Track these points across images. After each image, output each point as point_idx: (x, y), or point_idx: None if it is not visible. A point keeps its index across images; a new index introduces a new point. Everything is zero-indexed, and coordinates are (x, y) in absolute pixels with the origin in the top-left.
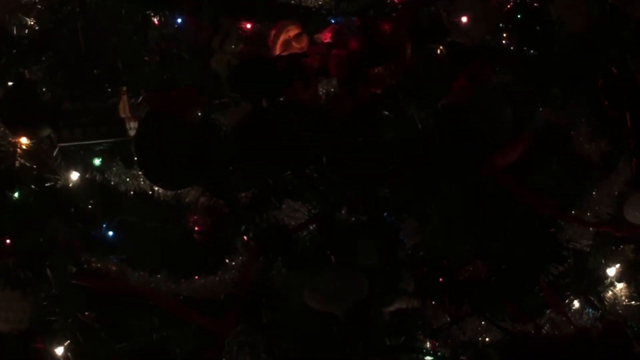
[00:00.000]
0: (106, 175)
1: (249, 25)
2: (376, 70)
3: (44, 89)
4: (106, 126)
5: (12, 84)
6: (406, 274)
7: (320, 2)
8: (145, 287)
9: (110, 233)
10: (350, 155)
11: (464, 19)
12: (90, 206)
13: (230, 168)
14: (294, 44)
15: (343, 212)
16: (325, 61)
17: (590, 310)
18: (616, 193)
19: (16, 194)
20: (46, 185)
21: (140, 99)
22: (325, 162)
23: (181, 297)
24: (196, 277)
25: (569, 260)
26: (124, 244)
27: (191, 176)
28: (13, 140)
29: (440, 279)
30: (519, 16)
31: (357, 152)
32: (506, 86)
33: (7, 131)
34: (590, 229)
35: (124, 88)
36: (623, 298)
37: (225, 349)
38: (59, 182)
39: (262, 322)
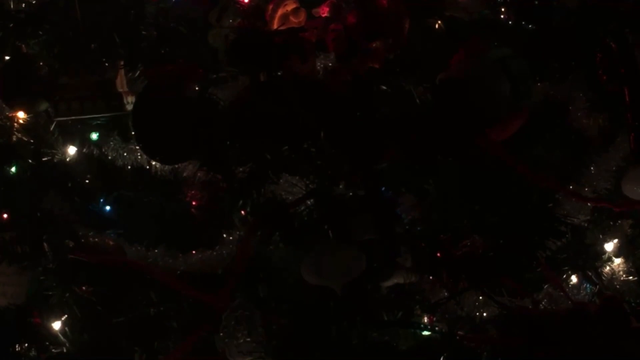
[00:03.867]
0: (103, 150)
1: (246, 0)
2: (374, 45)
3: (41, 63)
4: (103, 100)
5: (9, 58)
6: (404, 249)
7: None
8: (143, 262)
9: (108, 207)
10: (348, 130)
11: None
12: (87, 181)
13: (228, 143)
14: (291, 18)
15: (341, 186)
16: (323, 35)
17: (588, 285)
18: (614, 168)
19: (13, 169)
20: (43, 159)
21: (138, 73)
22: (322, 136)
23: (178, 271)
24: (193, 251)
25: (566, 236)
26: (122, 218)
27: (188, 151)
28: (10, 115)
29: (438, 254)
30: None
31: (355, 127)
32: (504, 60)
33: (4, 105)
34: (588, 204)
35: (121, 62)
36: (621, 273)
37: (222, 323)
38: (56, 156)
39: (260, 297)
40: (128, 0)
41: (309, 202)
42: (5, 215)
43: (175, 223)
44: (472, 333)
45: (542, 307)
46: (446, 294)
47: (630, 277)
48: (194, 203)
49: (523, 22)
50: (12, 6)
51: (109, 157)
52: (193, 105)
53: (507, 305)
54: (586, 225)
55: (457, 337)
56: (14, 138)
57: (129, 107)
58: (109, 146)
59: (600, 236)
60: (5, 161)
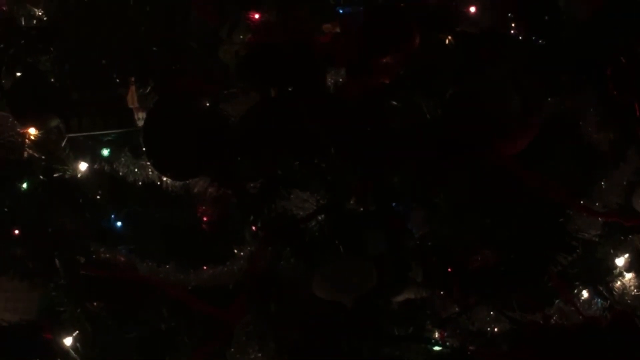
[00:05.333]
0: (114, 166)
1: (257, 15)
2: (384, 60)
3: (52, 80)
4: (114, 116)
5: (21, 75)
6: (415, 264)
7: None
8: (154, 277)
9: (119, 223)
10: (359, 145)
11: (473, 9)
12: (98, 197)
13: (239, 158)
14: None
15: (352, 202)
16: (334, 51)
17: (599, 300)
18: (625, 183)
19: (24, 185)
20: (54, 175)
21: (149, 89)
22: (333, 151)
23: (189, 287)
24: (205, 267)
25: (577, 250)
26: (133, 234)
27: (199, 166)
28: (22, 131)
29: (449, 269)
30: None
31: (366, 142)
32: (514, 75)
33: (15, 122)
34: (599, 218)
35: (132, 78)
36: (632, 288)
37: (234, 338)
38: (68, 172)
39: (271, 312)
40: (139, 16)
41: (319, 218)
42: (16, 231)
43: (186, 239)
44: (484, 348)
45: (554, 322)
46: (457, 308)
47: None
48: (204, 219)
49: (533, 37)
50: (23, 23)
51: (120, 173)
52: (204, 120)
53: (518, 320)
54: (597, 240)
55: (469, 352)
56: (25, 154)
57: (140, 123)
58: (120, 162)
59: (611, 251)
60: (17, 177)
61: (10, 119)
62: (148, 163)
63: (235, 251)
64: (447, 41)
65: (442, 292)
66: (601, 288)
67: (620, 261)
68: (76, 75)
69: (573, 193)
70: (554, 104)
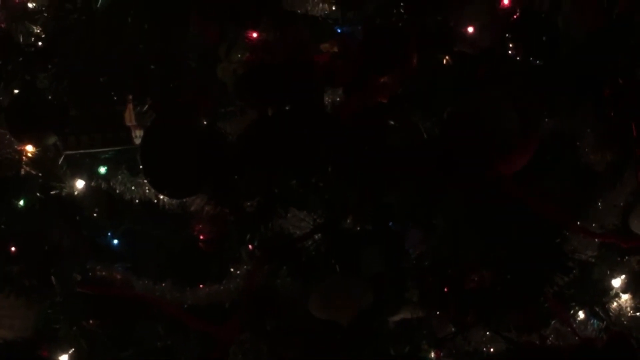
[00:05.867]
0: (111, 184)
1: (255, 34)
2: (382, 79)
3: (49, 97)
4: (112, 134)
5: (18, 92)
6: (411, 283)
7: (326, 12)
8: (150, 295)
9: (116, 241)
10: (356, 164)
11: (471, 29)
12: (95, 214)
13: (236, 176)
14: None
15: (348, 221)
16: (331, 70)
17: (595, 321)
18: (622, 204)
19: (21, 202)
20: (51, 193)
21: (146, 107)
22: (331, 171)
23: (186, 305)
24: (201, 285)
25: (574, 271)
26: (129, 252)
27: (196, 184)
28: (19, 148)
29: (446, 289)
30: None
31: (363, 161)
32: (512, 95)
33: (13, 139)
34: (596, 239)
35: (130, 96)
36: (628, 309)
37: (230, 357)
38: (65, 190)
39: (267, 331)
40: (137, 34)
41: (316, 237)
42: (13, 248)
43: (183, 257)
44: None
45: (550, 343)
46: (453, 328)
47: (638, 313)
48: (201, 237)
49: (531, 57)
50: (21, 40)
51: (117, 191)
52: (201, 139)
53: (514, 341)
54: (594, 260)
55: None
56: (23, 171)
57: (138, 141)
58: (117, 180)
59: (608, 272)
60: (14, 194)
61: (8, 136)
62: (145, 181)
63: (232, 270)
64: (445, 61)
65: (438, 312)
66: (597, 309)
67: (616, 282)
68: (74, 93)
69: (570, 214)
70: (552, 124)
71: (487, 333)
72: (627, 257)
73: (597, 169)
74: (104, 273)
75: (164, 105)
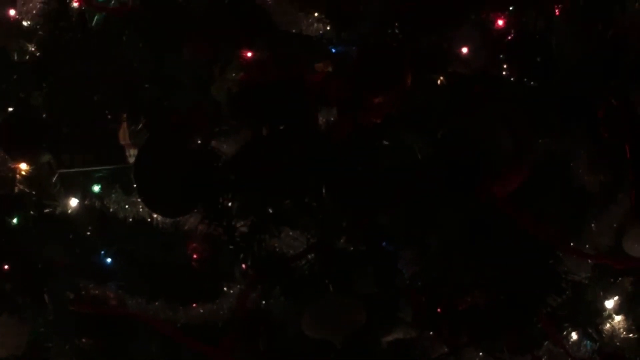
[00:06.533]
0: (105, 202)
1: (249, 53)
2: (376, 99)
3: (44, 115)
4: (106, 153)
5: (12, 110)
6: (404, 303)
7: (321, 31)
8: (143, 314)
9: (109, 259)
10: (350, 184)
11: (465, 49)
12: (88, 232)
13: (229, 196)
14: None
15: (342, 240)
16: (325, 90)
17: (589, 342)
18: (615, 225)
19: (15, 220)
20: (45, 211)
21: (140, 125)
22: (324, 190)
23: (179, 324)
24: (194, 304)
25: (567, 292)
26: (123, 270)
27: (190, 204)
28: (12, 166)
29: (439, 309)
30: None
31: (356, 181)
32: (506, 116)
33: (6, 156)
34: (589, 260)
35: (124, 115)
36: (621, 331)
37: None
38: (58, 208)
39: (260, 350)
40: (131, 52)
41: (310, 256)
42: (6, 266)
43: (176, 276)
44: None
45: None
46: (446, 349)
47: (631, 335)
48: (194, 256)
49: (524, 78)
50: (16, 58)
51: (111, 210)
52: (195, 158)
53: None
54: (587, 282)
55: None
56: (16, 189)
57: (131, 160)
58: (111, 198)
59: (601, 293)
60: (7, 212)
61: (1, 154)
62: (139, 200)
63: (225, 289)
64: (439, 81)
65: (431, 333)
66: (590, 330)
67: (609, 303)
68: (68, 111)
69: (563, 234)
70: (545, 145)
71: (480, 354)
72: (620, 279)
73: (590, 189)
74: (97, 291)
75: (158, 124)
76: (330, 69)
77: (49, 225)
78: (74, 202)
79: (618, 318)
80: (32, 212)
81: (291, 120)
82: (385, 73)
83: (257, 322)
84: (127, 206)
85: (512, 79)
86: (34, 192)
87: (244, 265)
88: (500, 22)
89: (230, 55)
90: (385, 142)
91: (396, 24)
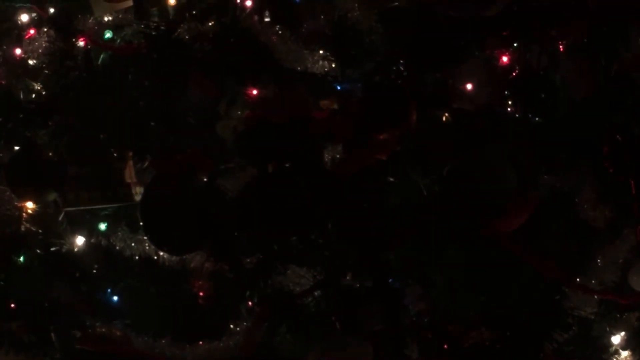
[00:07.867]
0: (111, 240)
1: (255, 91)
2: (381, 137)
3: (50, 153)
4: (112, 191)
5: (19, 148)
6: (410, 340)
7: (326, 69)
8: (149, 352)
9: (115, 297)
10: (355, 221)
11: (469, 86)
12: (95, 270)
13: (235, 233)
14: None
15: (348, 277)
16: (331, 127)
17: None
18: (621, 260)
19: (21, 258)
20: (51, 249)
21: (146, 163)
22: (330, 227)
23: None
24: (200, 342)
25: (573, 328)
26: (129, 308)
27: (196, 241)
28: (19, 205)
29: (445, 345)
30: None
31: (362, 218)
32: (511, 152)
33: (13, 195)
34: (595, 296)
35: (130, 153)
36: None
37: None
38: (64, 246)
39: None
40: (137, 91)
41: (316, 293)
42: (12, 305)
43: (182, 313)
44: None
45: None
46: None
47: None
48: (201, 293)
49: (529, 114)
50: (22, 96)
51: (117, 247)
52: (201, 196)
53: None
54: (593, 317)
55: None
56: (23, 228)
57: (138, 198)
58: (117, 236)
59: (607, 329)
60: (14, 251)
61: (8, 192)
62: (145, 237)
63: (231, 326)
64: (443, 118)
65: None
66: None
67: (616, 339)
68: (74, 149)
69: (569, 270)
70: (550, 181)
71: None
72: (626, 314)
73: (596, 225)
74: (103, 329)
75: (164, 162)
76: (335, 106)
77: (55, 263)
78: (80, 240)
79: (625, 353)
80: (38, 251)
81: (297, 157)
82: (390, 110)
83: None
84: (133, 244)
85: (516, 115)
86: (40, 231)
87: (250, 303)
88: (504, 59)
89: (236, 92)
90: (391, 179)
91: (401, 61)
